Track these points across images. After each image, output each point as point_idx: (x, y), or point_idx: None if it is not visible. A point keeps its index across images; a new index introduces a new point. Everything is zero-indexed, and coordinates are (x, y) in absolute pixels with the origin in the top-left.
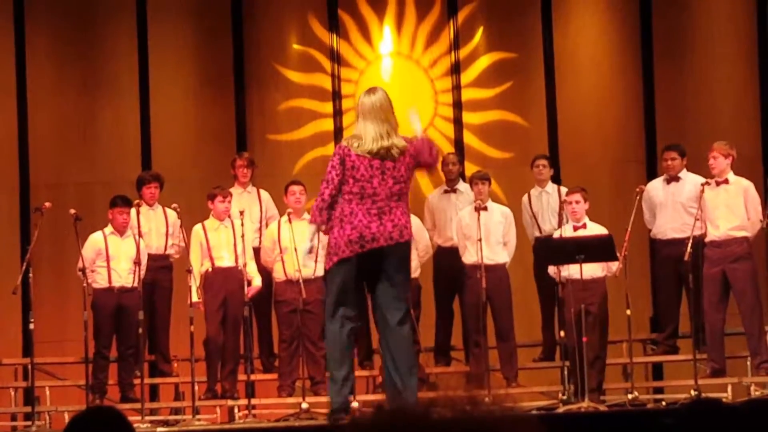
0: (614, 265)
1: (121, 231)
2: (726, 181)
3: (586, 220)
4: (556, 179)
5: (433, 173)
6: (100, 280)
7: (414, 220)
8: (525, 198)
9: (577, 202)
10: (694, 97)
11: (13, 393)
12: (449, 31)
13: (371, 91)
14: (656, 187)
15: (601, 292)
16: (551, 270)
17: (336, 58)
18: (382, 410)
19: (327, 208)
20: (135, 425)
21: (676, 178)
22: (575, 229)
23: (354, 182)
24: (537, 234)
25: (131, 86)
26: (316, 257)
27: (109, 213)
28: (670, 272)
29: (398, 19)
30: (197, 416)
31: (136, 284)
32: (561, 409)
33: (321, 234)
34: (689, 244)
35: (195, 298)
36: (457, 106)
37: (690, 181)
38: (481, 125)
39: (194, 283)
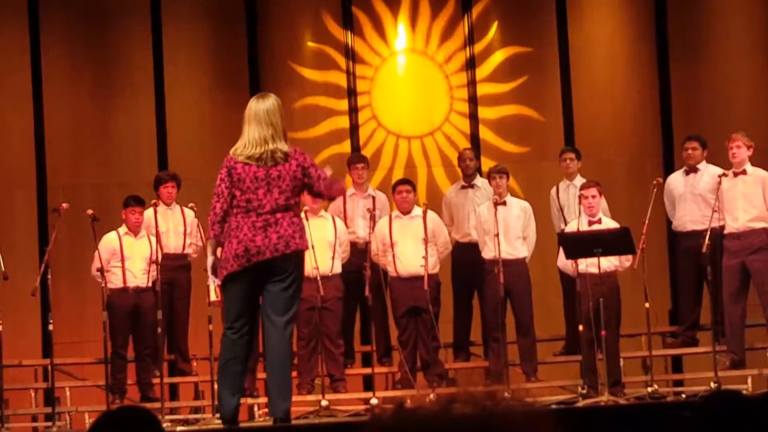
0: (627, 260)
1: (134, 231)
2: (744, 172)
3: (601, 215)
4: None
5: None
6: (115, 281)
7: (432, 215)
8: (553, 191)
9: (593, 197)
10: (709, 90)
11: (33, 394)
12: (464, 27)
13: (261, 96)
14: (676, 179)
15: (612, 286)
16: (560, 264)
17: (351, 55)
18: (402, 407)
19: (219, 221)
20: None
21: (695, 170)
22: (590, 224)
23: (240, 194)
24: (563, 227)
25: (147, 87)
26: (314, 255)
27: (123, 213)
28: (690, 265)
29: (412, 15)
30: (217, 415)
31: (151, 284)
32: (580, 404)
33: (338, 230)
34: (707, 236)
35: (213, 297)
36: (473, 101)
37: (709, 172)
38: (496, 120)
39: (212, 281)
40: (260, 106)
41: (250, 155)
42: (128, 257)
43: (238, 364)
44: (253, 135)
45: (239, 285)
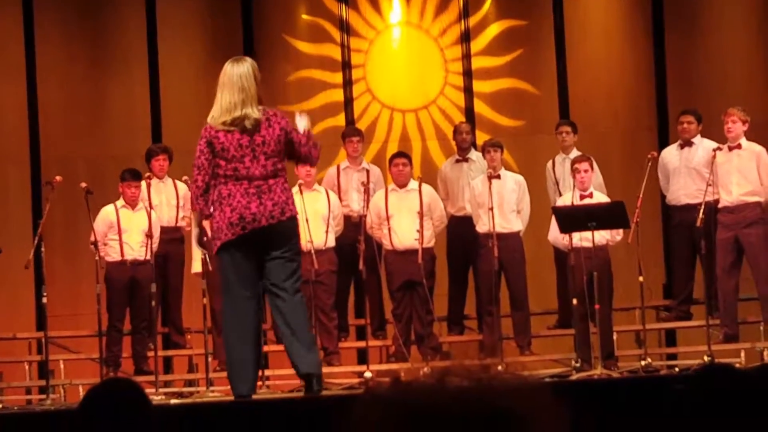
0: (618, 235)
1: (132, 204)
2: (738, 146)
3: (592, 189)
4: None
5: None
6: (112, 254)
7: (428, 188)
8: (549, 164)
9: (586, 171)
10: (704, 63)
11: (27, 367)
12: (458, 0)
13: (236, 60)
14: (670, 152)
15: (605, 259)
16: (551, 237)
17: (345, 28)
18: (398, 380)
19: (203, 194)
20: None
21: (690, 143)
22: (582, 197)
23: (226, 164)
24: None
25: (140, 60)
26: (308, 229)
27: (120, 187)
28: (684, 238)
29: None
30: (211, 388)
31: (148, 257)
32: (574, 377)
33: (332, 203)
34: (701, 210)
35: (197, 269)
36: (468, 74)
37: (704, 146)
38: (491, 93)
39: (199, 254)
40: (234, 70)
41: (224, 122)
42: (125, 230)
43: (252, 336)
44: (225, 101)
45: (237, 254)
